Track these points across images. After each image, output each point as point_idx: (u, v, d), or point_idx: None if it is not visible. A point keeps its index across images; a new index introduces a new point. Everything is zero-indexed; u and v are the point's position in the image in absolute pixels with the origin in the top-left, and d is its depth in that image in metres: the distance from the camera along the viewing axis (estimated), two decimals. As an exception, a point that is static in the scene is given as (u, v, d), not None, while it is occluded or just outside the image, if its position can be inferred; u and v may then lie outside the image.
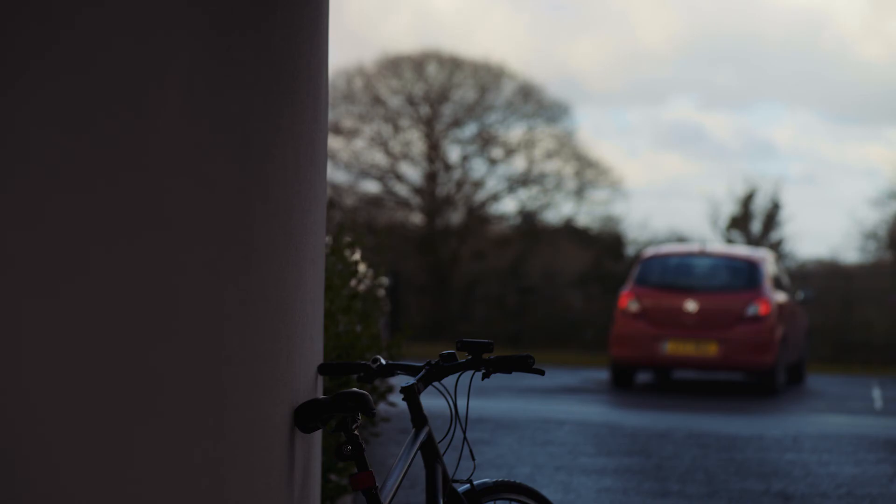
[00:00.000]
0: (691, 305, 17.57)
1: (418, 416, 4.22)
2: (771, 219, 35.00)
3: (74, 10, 3.04)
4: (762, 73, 46.86)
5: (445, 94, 32.62)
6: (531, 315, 29.34)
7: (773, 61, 46.37)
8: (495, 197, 33.04)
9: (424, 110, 32.64)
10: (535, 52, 43.91)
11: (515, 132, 32.80)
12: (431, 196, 32.64)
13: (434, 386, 4.27)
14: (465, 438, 4.26)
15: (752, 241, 33.76)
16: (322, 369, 4.29)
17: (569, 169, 32.18)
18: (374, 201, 32.89)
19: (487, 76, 32.67)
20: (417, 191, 32.94)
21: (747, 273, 17.86)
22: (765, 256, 18.82)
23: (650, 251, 19.38)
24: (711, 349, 17.21)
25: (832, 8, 48.93)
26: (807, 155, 48.50)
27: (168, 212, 3.24)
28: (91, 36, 3.07)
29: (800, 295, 20.41)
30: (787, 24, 47.31)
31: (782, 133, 49.06)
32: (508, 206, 34.02)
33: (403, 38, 44.48)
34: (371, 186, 33.11)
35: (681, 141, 41.69)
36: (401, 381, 4.29)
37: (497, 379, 17.06)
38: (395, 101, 32.72)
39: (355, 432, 3.96)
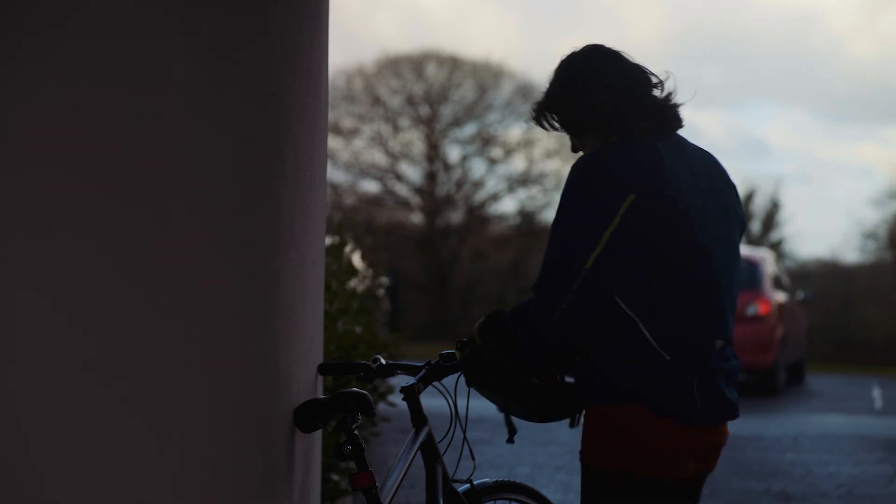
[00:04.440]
0: (691, 305, 17.55)
1: (418, 416, 4.22)
2: (770, 219, 35.02)
3: (75, 9, 3.04)
4: (753, 71, 46.90)
5: (445, 93, 32.62)
6: (531, 315, 29.31)
7: (764, 59, 46.43)
8: (495, 197, 33.05)
9: (424, 110, 32.64)
10: (526, 49, 43.93)
11: (515, 132, 32.82)
12: (431, 196, 32.64)
13: (434, 386, 4.27)
14: (465, 438, 4.26)
15: (752, 241, 33.76)
16: (322, 369, 4.28)
17: (568, 168, 32.13)
18: (373, 201, 32.88)
19: (487, 76, 32.68)
20: (417, 191, 32.94)
21: (747, 273, 17.84)
22: (765, 256, 18.81)
23: (650, 251, 19.34)
24: (711, 349, 17.22)
25: (823, 5, 48.97)
26: (800, 154, 48.57)
27: (168, 212, 3.23)
28: (90, 34, 3.07)
29: (800, 295, 20.40)
30: (777, 21, 47.31)
31: (775, 132, 49.11)
32: (508, 205, 34.05)
33: (394, 36, 44.49)
34: (371, 186, 33.13)
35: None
36: (401, 380, 4.29)
37: (497, 379, 16.98)
38: (394, 101, 32.72)
39: (355, 432, 3.96)
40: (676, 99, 3.80)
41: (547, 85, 3.85)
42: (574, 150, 3.87)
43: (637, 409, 3.56)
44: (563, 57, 3.84)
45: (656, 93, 3.77)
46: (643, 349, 3.57)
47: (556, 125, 3.84)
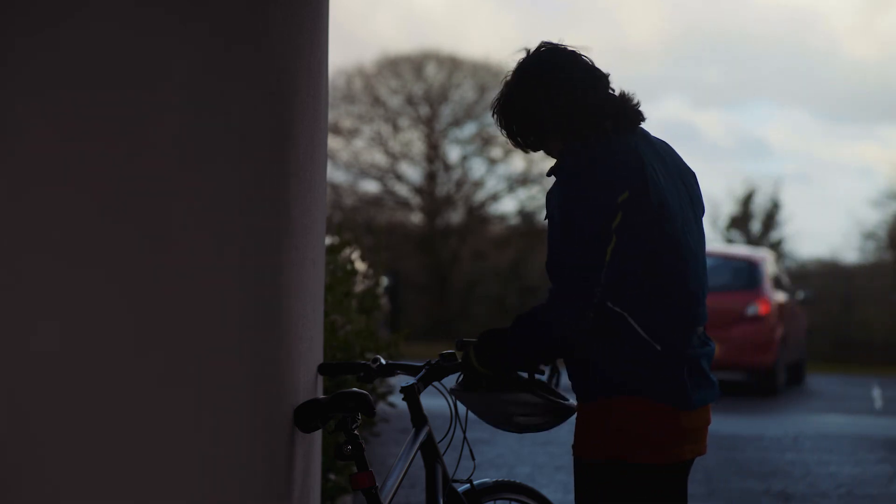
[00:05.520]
0: (691, 305, 17.51)
1: (418, 416, 4.22)
2: (771, 218, 35.02)
3: (74, 9, 3.04)
4: (752, 71, 46.87)
5: (445, 94, 32.60)
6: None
7: (762, 59, 46.39)
8: (495, 197, 33.03)
9: (424, 110, 32.62)
10: (523, 49, 43.74)
11: (515, 132, 32.74)
12: (431, 196, 32.62)
13: (434, 386, 4.27)
14: (465, 438, 4.25)
15: (752, 241, 33.76)
16: (322, 369, 4.28)
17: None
18: (373, 201, 32.86)
19: (487, 76, 32.65)
20: (417, 191, 32.92)
21: (747, 273, 17.83)
22: (765, 256, 18.80)
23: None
24: (711, 349, 17.16)
25: (822, 6, 48.96)
26: (800, 154, 48.54)
27: (168, 212, 3.23)
28: (90, 34, 3.06)
29: (800, 295, 20.40)
30: (777, 21, 47.30)
31: (775, 132, 49.08)
32: (508, 205, 34.02)
33: (393, 36, 44.48)
34: (371, 186, 33.10)
35: (673, 139, 41.36)
36: (401, 380, 4.28)
37: (497, 379, 16.95)
38: (394, 101, 32.69)
39: (355, 432, 3.96)
40: (632, 95, 3.82)
41: (504, 89, 3.83)
42: (526, 150, 3.87)
43: (636, 401, 3.66)
44: (519, 60, 3.82)
45: (613, 90, 3.79)
46: (641, 348, 3.66)
47: (514, 130, 3.82)
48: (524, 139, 3.83)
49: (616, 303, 3.65)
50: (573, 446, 3.78)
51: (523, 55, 3.83)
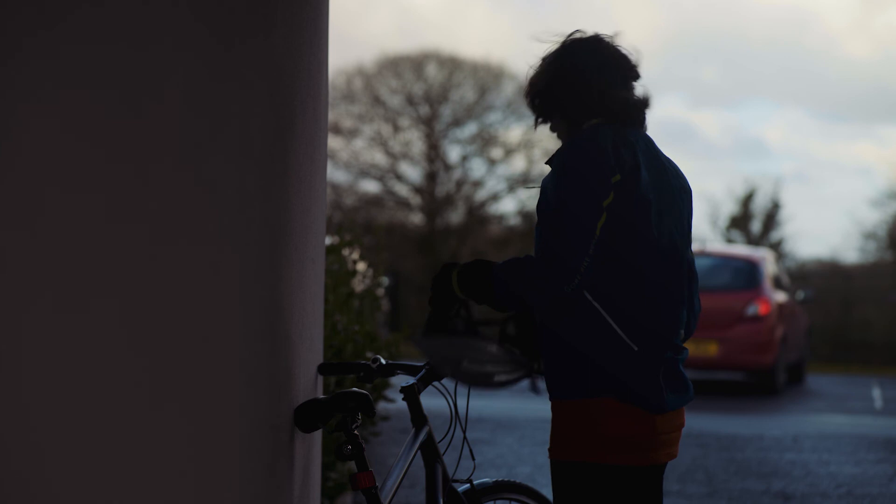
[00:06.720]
0: (691, 305, 17.51)
1: (418, 416, 4.22)
2: (771, 218, 35.04)
3: (75, 6, 3.04)
4: (750, 71, 46.91)
5: (445, 93, 32.61)
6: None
7: (760, 59, 46.45)
8: (495, 197, 33.04)
9: (424, 110, 32.63)
10: (519, 49, 43.95)
11: (515, 132, 32.81)
12: (431, 196, 32.62)
13: (434, 386, 4.27)
14: (465, 438, 4.26)
15: (752, 241, 33.77)
16: (322, 369, 4.28)
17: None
18: (373, 201, 32.87)
19: (487, 76, 32.67)
20: (417, 190, 32.93)
21: (747, 273, 17.83)
22: (765, 256, 18.80)
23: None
24: (711, 349, 17.18)
25: (820, 5, 48.98)
26: (798, 153, 48.60)
27: (168, 212, 3.23)
28: (90, 34, 3.07)
29: (800, 295, 20.40)
30: (775, 20, 47.33)
31: (773, 131, 49.12)
32: (508, 205, 34.04)
33: (390, 37, 44.50)
34: (371, 186, 33.11)
35: (671, 139, 41.32)
36: (401, 380, 4.28)
37: (497, 379, 16.93)
38: (394, 101, 32.70)
39: (355, 432, 3.96)
40: (649, 98, 3.90)
41: (535, 69, 3.95)
42: (547, 127, 3.98)
43: (612, 402, 3.67)
44: (553, 43, 3.92)
45: (638, 89, 3.88)
46: (619, 348, 3.68)
47: (537, 104, 3.95)
48: (544, 115, 3.95)
49: (596, 298, 3.67)
50: (550, 449, 3.77)
51: (557, 39, 3.92)
